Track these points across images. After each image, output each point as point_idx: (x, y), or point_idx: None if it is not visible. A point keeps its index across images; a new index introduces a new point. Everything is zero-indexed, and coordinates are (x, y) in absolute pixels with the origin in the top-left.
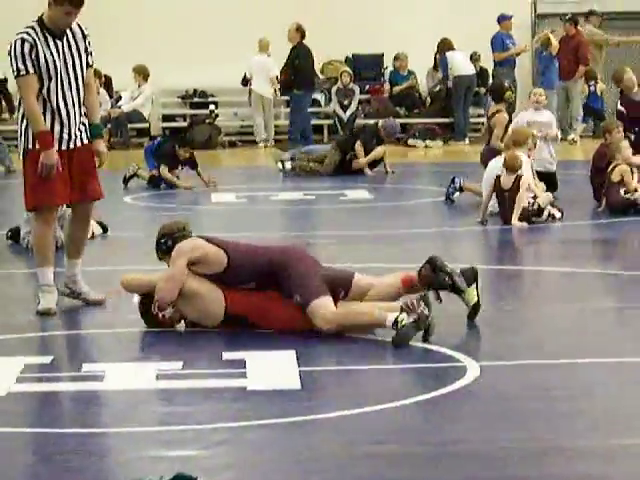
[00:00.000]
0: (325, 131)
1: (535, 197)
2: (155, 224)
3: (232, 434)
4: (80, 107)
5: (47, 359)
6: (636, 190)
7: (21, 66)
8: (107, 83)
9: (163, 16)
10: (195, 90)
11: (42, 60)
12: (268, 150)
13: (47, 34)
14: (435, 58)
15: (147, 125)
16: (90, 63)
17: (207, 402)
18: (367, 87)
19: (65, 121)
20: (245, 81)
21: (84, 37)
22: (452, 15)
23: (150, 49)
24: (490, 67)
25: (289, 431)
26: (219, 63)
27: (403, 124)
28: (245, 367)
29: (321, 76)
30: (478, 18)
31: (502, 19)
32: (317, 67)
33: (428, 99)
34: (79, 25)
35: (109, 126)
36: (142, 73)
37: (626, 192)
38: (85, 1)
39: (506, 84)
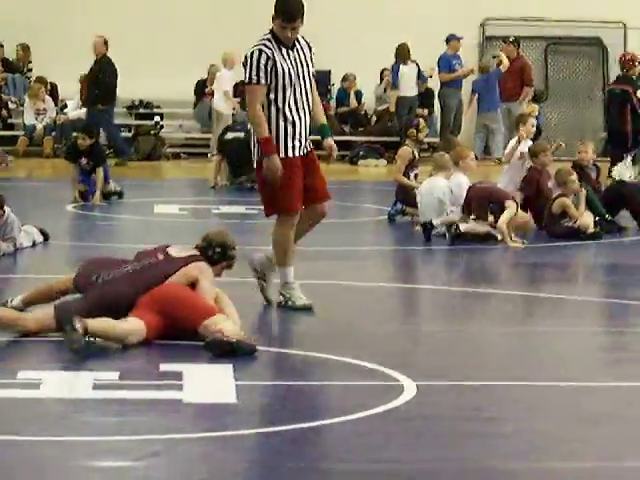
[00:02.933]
0: None
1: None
2: (92, 233)
3: (166, 446)
4: (309, 113)
5: None
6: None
7: (254, 76)
8: (53, 91)
9: (111, 25)
10: (141, 101)
11: (280, 71)
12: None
13: (280, 46)
14: (381, 73)
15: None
16: (314, 73)
17: (142, 413)
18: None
19: (299, 129)
20: (202, 92)
21: (310, 48)
22: (402, 35)
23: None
24: (436, 87)
25: (223, 445)
26: (166, 75)
27: (348, 142)
28: (182, 379)
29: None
30: (427, 38)
31: (451, 39)
32: None
33: (374, 117)
34: (302, 37)
35: (53, 133)
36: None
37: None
38: (300, 14)
39: (415, 122)
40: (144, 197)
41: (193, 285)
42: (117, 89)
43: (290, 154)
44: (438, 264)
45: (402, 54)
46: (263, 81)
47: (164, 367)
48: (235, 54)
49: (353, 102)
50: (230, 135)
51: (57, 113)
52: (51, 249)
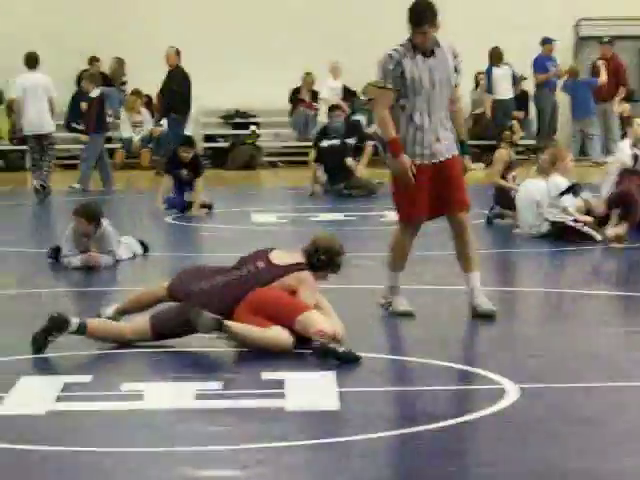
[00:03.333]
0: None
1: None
2: (192, 243)
3: (270, 455)
4: (444, 122)
5: (87, 378)
6: None
7: (381, 79)
8: (148, 102)
9: (204, 35)
10: (237, 110)
11: (408, 77)
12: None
13: (416, 51)
14: (476, 77)
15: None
16: (457, 82)
17: (245, 422)
18: None
19: (428, 136)
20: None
21: (455, 56)
22: (495, 37)
23: (191, 68)
24: (532, 90)
25: (328, 453)
26: (261, 83)
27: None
28: (284, 387)
29: (362, 97)
30: (521, 40)
31: (545, 42)
32: (359, 87)
33: (470, 121)
34: (449, 44)
35: (150, 145)
36: None
37: None
38: (426, 19)
39: (509, 124)
40: (242, 206)
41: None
42: (192, 99)
43: (416, 161)
44: (537, 266)
45: (495, 57)
46: (389, 85)
47: (266, 375)
48: (332, 62)
49: None
50: (325, 143)
51: (153, 125)
52: (151, 261)
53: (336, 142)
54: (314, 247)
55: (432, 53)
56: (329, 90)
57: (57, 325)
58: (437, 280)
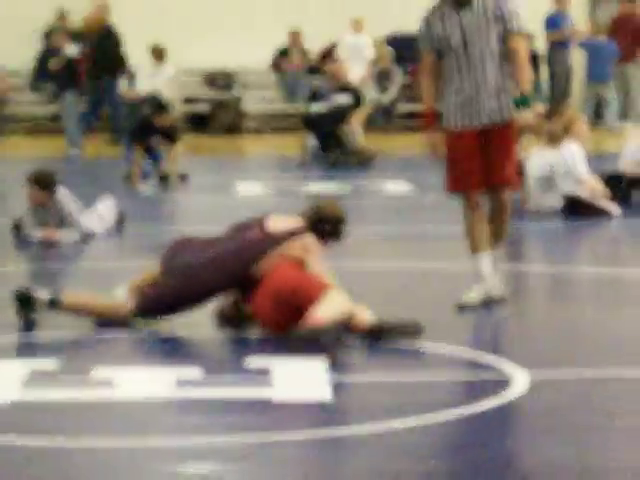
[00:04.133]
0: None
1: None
2: (171, 216)
3: (256, 449)
4: (491, 81)
5: (54, 363)
6: None
7: (420, 43)
8: None
9: None
10: (219, 71)
11: (435, 36)
12: None
13: (452, 6)
14: None
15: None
16: (511, 28)
17: (229, 413)
18: (409, 69)
19: (468, 98)
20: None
21: (497, 2)
22: None
23: (167, 21)
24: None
25: (319, 447)
26: (246, 42)
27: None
28: (271, 376)
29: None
30: None
31: None
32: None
33: None
34: None
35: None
36: (159, 54)
37: None
38: None
39: None
40: (225, 176)
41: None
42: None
43: (453, 125)
44: (549, 243)
45: None
46: (426, 48)
47: (251, 362)
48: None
49: None
50: (314, 107)
51: (127, 87)
52: (125, 235)
53: (324, 106)
54: (317, 214)
55: (468, 3)
56: (349, 47)
57: (23, 302)
58: (441, 258)
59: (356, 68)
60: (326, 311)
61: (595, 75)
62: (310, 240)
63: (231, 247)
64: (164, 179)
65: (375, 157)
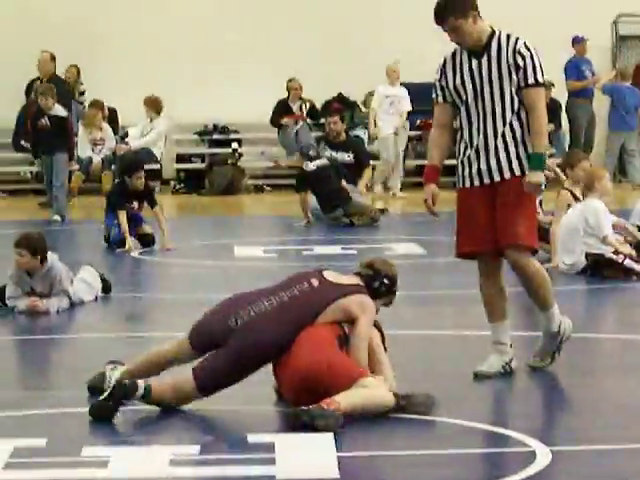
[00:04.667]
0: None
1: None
2: (163, 281)
3: None
4: (502, 135)
5: (41, 441)
6: None
7: (433, 94)
8: (112, 116)
9: (178, 39)
10: (215, 125)
11: (451, 85)
12: None
13: (466, 54)
14: None
15: (159, 166)
16: (526, 81)
17: None
18: (418, 121)
19: (476, 152)
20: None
21: (515, 52)
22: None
23: (162, 77)
24: (563, 98)
25: None
26: (243, 94)
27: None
28: (274, 452)
29: (364, 108)
30: (550, 40)
31: (576, 41)
32: (360, 97)
33: None
34: (508, 36)
35: (114, 167)
36: (154, 106)
37: None
38: (443, 13)
39: None
40: (222, 238)
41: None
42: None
43: (460, 184)
44: (571, 306)
45: None
46: (439, 99)
47: (252, 438)
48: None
49: None
50: (311, 164)
51: (117, 143)
52: (115, 301)
53: (324, 161)
54: (374, 270)
55: (483, 52)
56: (382, 98)
57: (125, 392)
58: (455, 324)
59: (389, 121)
60: (346, 397)
61: (618, 124)
62: (369, 300)
63: (296, 293)
64: (147, 242)
65: (379, 218)
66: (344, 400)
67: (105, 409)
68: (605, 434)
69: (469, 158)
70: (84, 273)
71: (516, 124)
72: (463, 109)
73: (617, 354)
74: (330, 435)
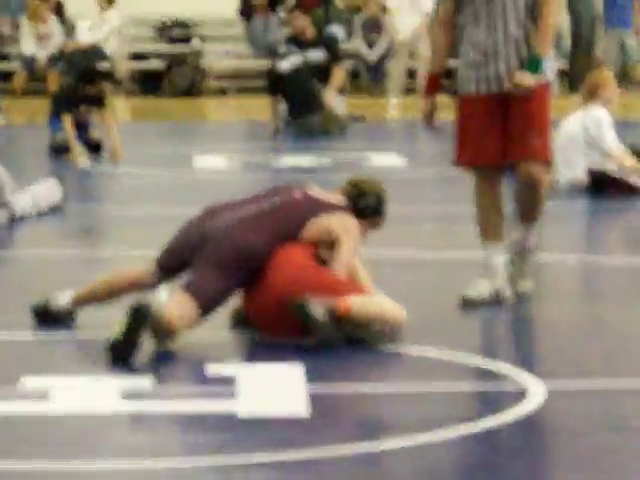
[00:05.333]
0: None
1: None
2: (116, 194)
3: (217, 474)
4: (512, 38)
5: None
6: None
7: None
8: (58, 9)
9: None
10: (175, 20)
11: None
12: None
13: None
14: None
15: (108, 65)
16: None
17: (186, 431)
18: None
19: (488, 56)
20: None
21: None
22: None
23: None
24: None
25: (293, 471)
26: None
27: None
28: (236, 386)
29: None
30: None
31: None
32: None
33: None
34: None
35: (59, 65)
36: None
37: None
38: None
39: None
40: (181, 146)
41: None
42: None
43: (465, 90)
44: (572, 226)
45: None
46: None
47: (212, 369)
48: None
49: None
50: (285, 64)
51: (65, 39)
52: (63, 216)
53: (298, 60)
54: (359, 189)
55: None
56: None
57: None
58: (438, 244)
59: (407, 20)
60: (362, 303)
61: (614, 20)
62: (354, 221)
63: (277, 204)
64: (96, 149)
65: (348, 125)
66: (357, 306)
67: (126, 346)
68: (606, 368)
69: (477, 63)
70: (38, 186)
71: (531, 26)
72: (471, 6)
73: (619, 280)
74: (300, 366)
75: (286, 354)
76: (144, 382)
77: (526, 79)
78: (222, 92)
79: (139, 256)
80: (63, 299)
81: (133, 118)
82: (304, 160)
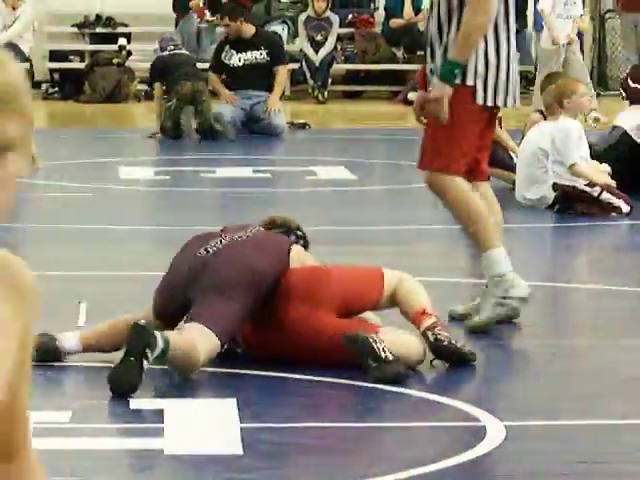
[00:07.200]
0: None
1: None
2: (40, 210)
3: None
4: (441, 37)
5: None
6: None
7: None
8: None
9: None
10: (98, 16)
11: None
12: None
13: None
14: None
15: (28, 66)
16: None
17: (106, 471)
18: (350, 16)
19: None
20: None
21: None
22: None
23: None
24: None
25: None
26: None
27: (400, 71)
28: (163, 421)
29: None
30: None
31: None
32: None
33: None
34: None
35: None
36: None
37: None
38: None
39: None
40: (105, 156)
41: None
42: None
43: (489, 101)
44: (534, 249)
45: None
46: None
47: (137, 403)
48: None
49: (408, 13)
50: (237, 57)
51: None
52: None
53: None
54: (284, 225)
55: None
56: None
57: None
58: (393, 266)
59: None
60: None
61: None
62: (300, 249)
63: (250, 235)
64: None
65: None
66: (389, 343)
67: (129, 371)
68: (572, 407)
69: (501, 74)
70: None
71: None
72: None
73: (591, 308)
74: (233, 400)
75: (217, 387)
76: (61, 417)
77: (436, 89)
78: (150, 96)
79: (59, 276)
80: (72, 342)
81: (51, 124)
82: (239, 172)
